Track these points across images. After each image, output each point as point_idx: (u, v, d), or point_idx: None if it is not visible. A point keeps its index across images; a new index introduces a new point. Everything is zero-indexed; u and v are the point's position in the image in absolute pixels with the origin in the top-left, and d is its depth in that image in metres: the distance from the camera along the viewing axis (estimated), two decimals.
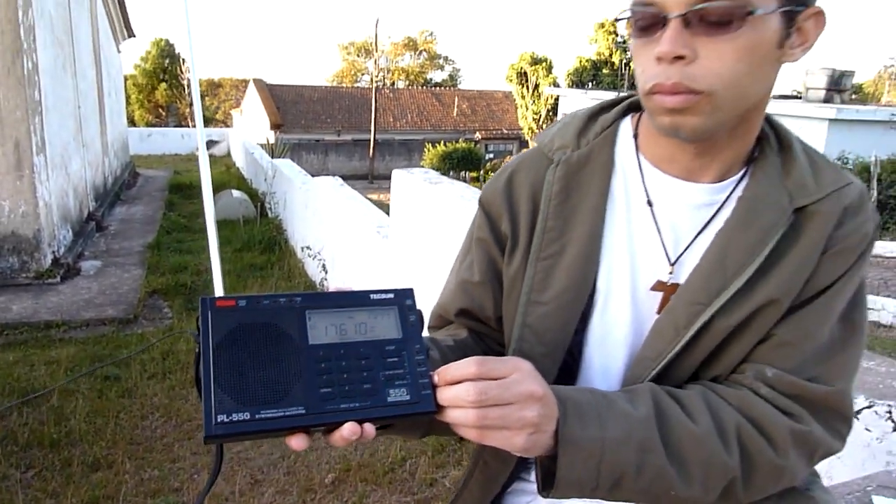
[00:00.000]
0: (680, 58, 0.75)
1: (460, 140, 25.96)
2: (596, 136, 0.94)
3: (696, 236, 0.88)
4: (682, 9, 0.73)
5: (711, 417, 0.80)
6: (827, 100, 18.14)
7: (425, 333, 1.01)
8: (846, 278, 0.85)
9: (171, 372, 4.34)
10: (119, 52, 15.22)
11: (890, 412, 1.39)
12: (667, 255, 0.89)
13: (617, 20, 0.83)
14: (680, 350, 0.85)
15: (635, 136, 0.93)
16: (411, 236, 3.78)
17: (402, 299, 0.78)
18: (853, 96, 23.89)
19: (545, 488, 0.79)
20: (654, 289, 0.89)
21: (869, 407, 1.43)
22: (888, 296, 6.80)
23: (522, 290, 0.92)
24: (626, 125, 0.95)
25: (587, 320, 0.91)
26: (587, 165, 0.92)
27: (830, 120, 15.17)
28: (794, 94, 23.77)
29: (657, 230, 0.89)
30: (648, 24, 0.77)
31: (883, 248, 9.31)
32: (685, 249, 0.88)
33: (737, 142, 0.85)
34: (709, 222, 0.88)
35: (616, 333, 0.90)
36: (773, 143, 0.89)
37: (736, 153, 0.87)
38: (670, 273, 0.89)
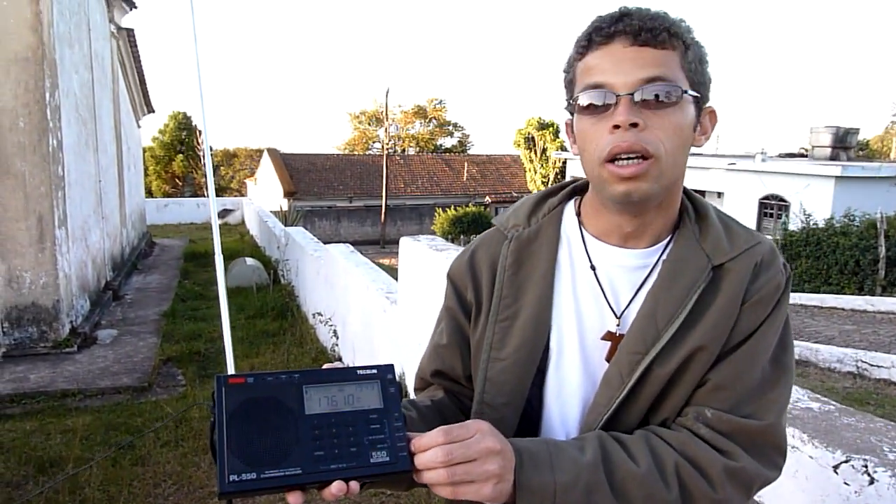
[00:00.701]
0: (634, 125, 0.89)
1: (470, 204, 26.37)
2: (545, 216, 1.09)
3: (634, 293, 1.01)
4: (630, 89, 0.89)
5: (652, 458, 0.91)
6: (833, 157, 18.36)
7: (412, 396, 1.13)
8: (767, 324, 0.97)
9: (183, 439, 4.41)
10: (139, 126, 15.80)
11: (866, 466, 1.45)
12: (612, 309, 1.02)
13: (570, 102, 0.97)
14: (626, 396, 0.96)
15: (578, 214, 1.08)
16: (418, 301, 3.89)
17: (384, 374, 0.90)
18: (860, 153, 24.13)
19: None
20: (604, 338, 1.02)
21: (846, 461, 1.49)
22: None
23: (483, 348, 1.05)
24: (571, 206, 1.11)
25: (544, 374, 1.03)
26: (536, 240, 1.07)
27: (836, 177, 15.34)
28: (801, 151, 24.02)
29: (601, 290, 1.02)
30: (601, 103, 0.92)
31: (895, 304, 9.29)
32: (628, 304, 1.01)
33: (662, 213, 1.00)
34: (644, 282, 1.01)
35: (570, 384, 1.02)
36: (691, 213, 1.04)
37: (663, 223, 1.01)
38: (617, 325, 1.01)
